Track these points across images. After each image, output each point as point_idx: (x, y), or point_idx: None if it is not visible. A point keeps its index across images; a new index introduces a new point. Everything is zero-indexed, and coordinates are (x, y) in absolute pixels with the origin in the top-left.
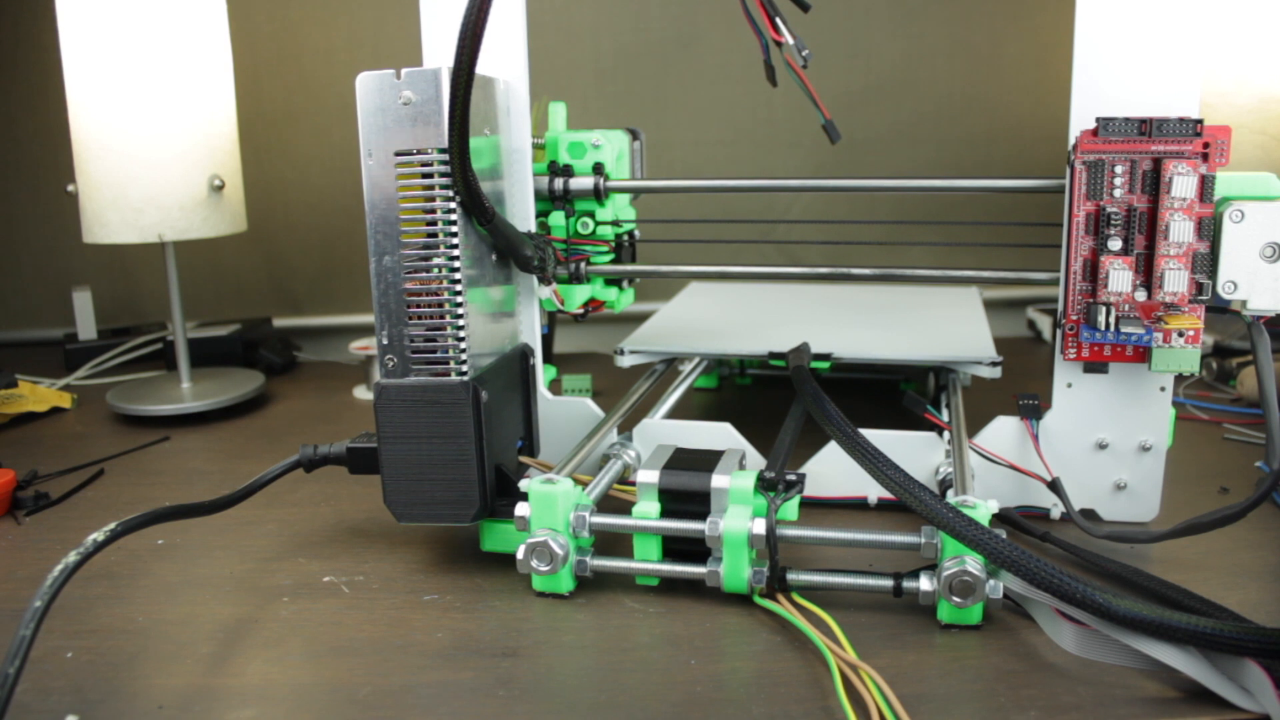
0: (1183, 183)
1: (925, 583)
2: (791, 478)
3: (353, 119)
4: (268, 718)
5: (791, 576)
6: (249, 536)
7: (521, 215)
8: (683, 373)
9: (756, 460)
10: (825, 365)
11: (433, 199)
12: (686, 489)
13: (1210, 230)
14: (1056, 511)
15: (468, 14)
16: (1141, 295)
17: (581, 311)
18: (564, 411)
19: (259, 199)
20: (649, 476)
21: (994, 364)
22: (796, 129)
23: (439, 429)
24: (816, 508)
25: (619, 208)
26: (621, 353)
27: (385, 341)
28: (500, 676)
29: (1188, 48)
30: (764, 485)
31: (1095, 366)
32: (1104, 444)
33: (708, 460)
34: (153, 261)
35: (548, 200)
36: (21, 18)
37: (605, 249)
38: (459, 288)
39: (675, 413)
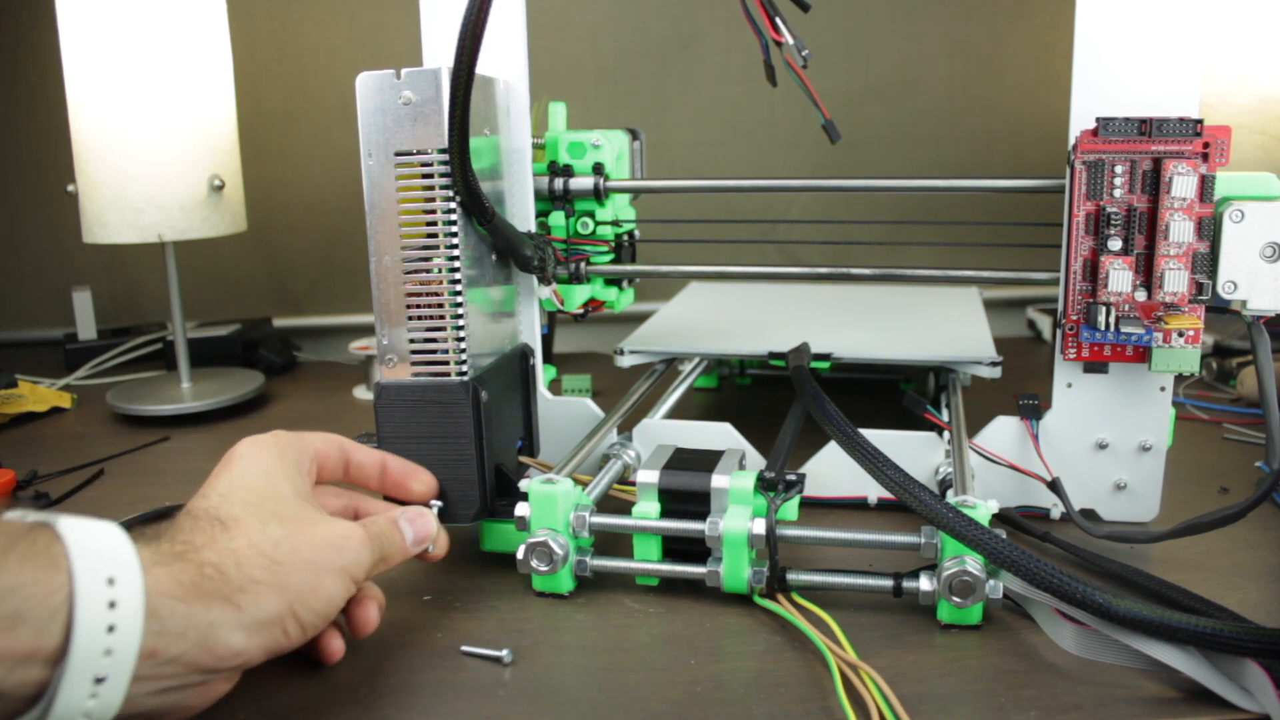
0: (1183, 183)
1: (925, 583)
2: (791, 478)
3: (353, 119)
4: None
5: (791, 576)
6: None
7: (521, 215)
8: (683, 373)
9: (756, 460)
10: (825, 365)
11: (433, 199)
12: (686, 489)
13: (1210, 230)
14: (1056, 511)
15: (468, 14)
16: (1141, 295)
17: (581, 311)
18: (564, 411)
19: (259, 199)
20: (649, 476)
21: (994, 364)
22: (796, 129)
23: (439, 429)
24: (816, 508)
25: (619, 208)
26: (621, 353)
27: (385, 341)
28: (500, 676)
29: (1188, 48)
30: (764, 485)
31: (1095, 366)
32: (1104, 444)
33: (708, 460)
34: (153, 261)
35: (548, 200)
36: (21, 18)
37: (605, 249)
38: (459, 288)
39: (675, 413)
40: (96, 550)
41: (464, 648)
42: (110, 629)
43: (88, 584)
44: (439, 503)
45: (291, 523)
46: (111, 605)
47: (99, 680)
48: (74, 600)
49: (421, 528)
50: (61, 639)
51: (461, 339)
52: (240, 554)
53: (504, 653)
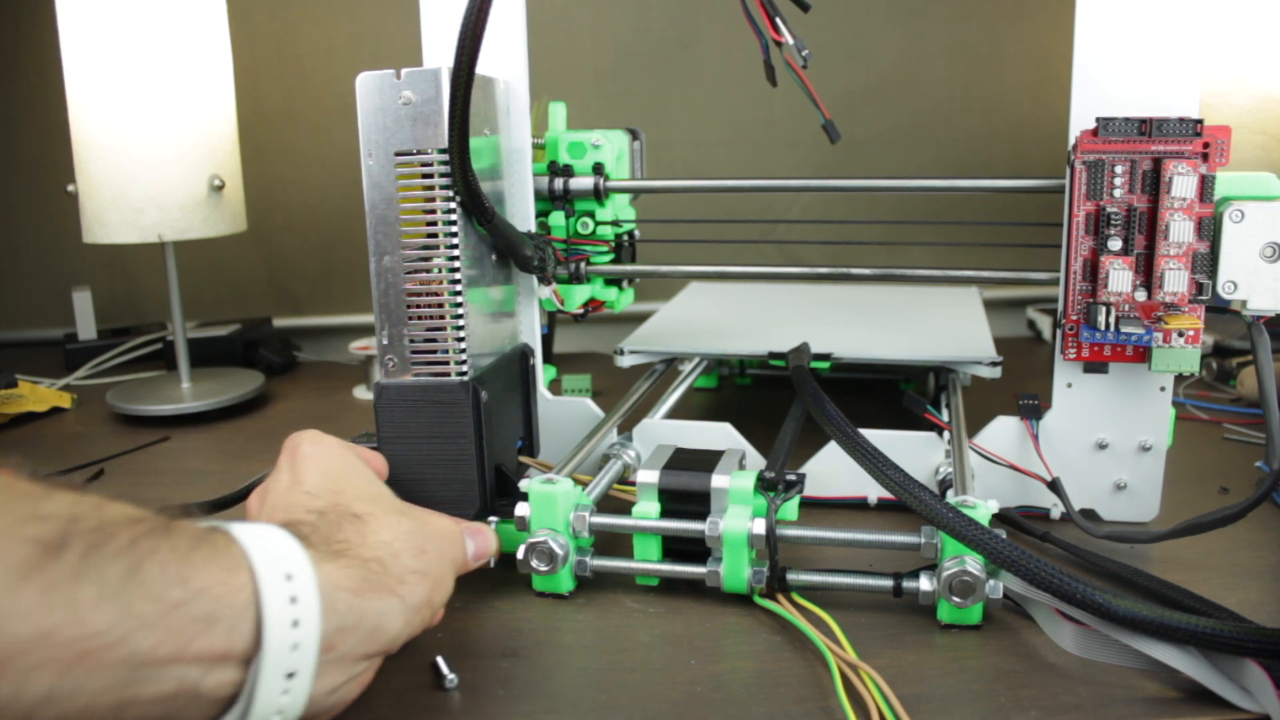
0: (1183, 183)
1: (925, 583)
2: (791, 478)
3: (353, 119)
4: None
5: (791, 576)
6: None
7: (521, 215)
8: (683, 373)
9: (756, 460)
10: (825, 365)
11: (433, 199)
12: (686, 489)
13: (1210, 230)
14: (1056, 511)
15: (468, 14)
16: (1141, 295)
17: (581, 311)
18: (564, 411)
19: (259, 199)
20: (649, 476)
21: (994, 364)
22: (796, 129)
23: (439, 429)
24: (816, 508)
25: (619, 208)
26: (621, 353)
27: (385, 341)
28: (500, 676)
29: (1188, 48)
30: (764, 485)
31: (1095, 366)
32: (1104, 444)
33: (708, 460)
34: (153, 261)
35: (548, 200)
36: (21, 18)
37: (605, 249)
38: (459, 288)
39: (675, 413)
40: (272, 548)
41: (437, 658)
42: (295, 624)
43: (270, 581)
44: (496, 518)
45: (412, 516)
46: (293, 600)
47: (290, 675)
48: (260, 597)
49: (482, 544)
50: (251, 637)
51: (461, 339)
52: (394, 546)
53: (450, 678)
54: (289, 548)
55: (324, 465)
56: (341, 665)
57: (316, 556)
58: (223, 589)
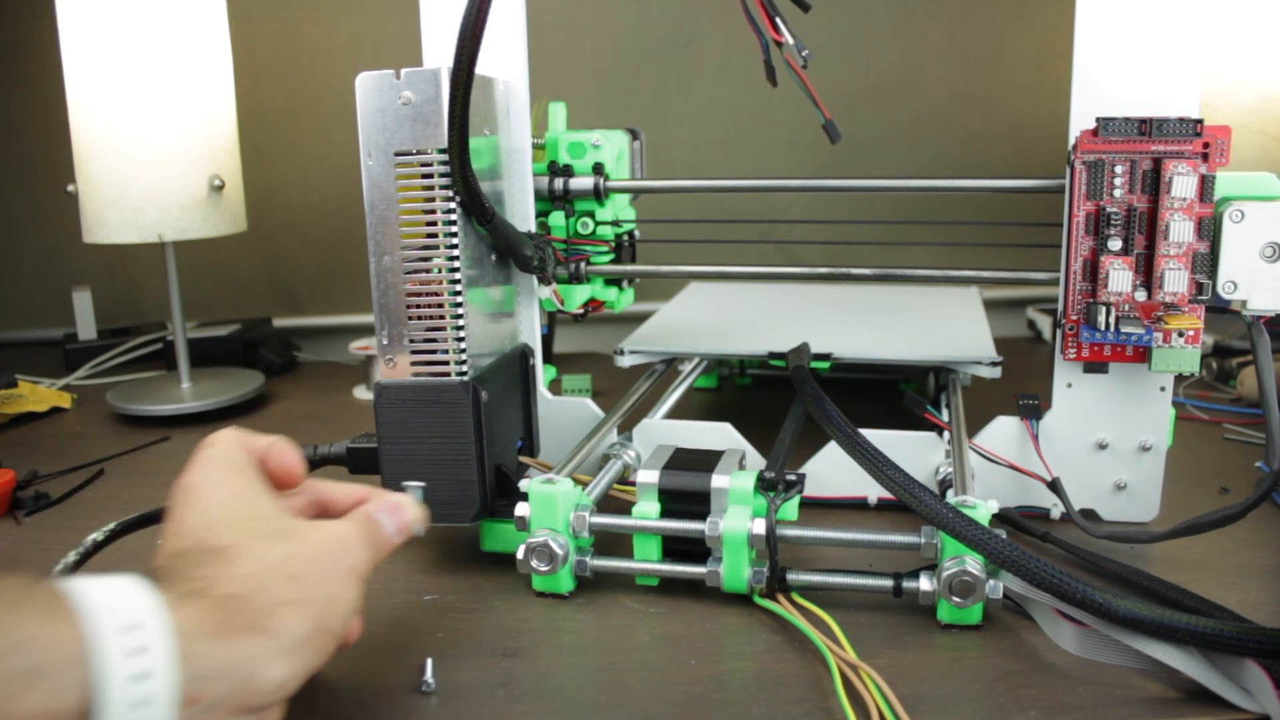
0: (1183, 183)
1: (925, 583)
2: (791, 478)
3: (353, 119)
4: None
5: (791, 576)
6: None
7: (521, 215)
8: (683, 373)
9: (756, 460)
10: (825, 365)
11: (432, 199)
12: (686, 489)
13: (1210, 230)
14: (1056, 511)
15: (468, 14)
16: (1141, 295)
17: (581, 311)
18: (564, 411)
19: (259, 199)
20: (649, 476)
21: (994, 364)
22: (796, 129)
23: (439, 429)
24: (816, 508)
25: (619, 208)
26: (621, 353)
27: (385, 341)
28: (500, 676)
29: (1188, 48)
30: (764, 485)
31: (1095, 366)
32: (1104, 444)
33: (708, 460)
34: (153, 261)
35: (548, 200)
36: (21, 18)
37: (605, 249)
38: (459, 288)
39: (675, 413)
40: (112, 598)
41: (427, 660)
42: (141, 677)
43: (106, 631)
44: (419, 484)
45: (291, 536)
46: (138, 651)
47: None
48: (93, 650)
49: (400, 518)
50: (87, 694)
51: (461, 339)
52: (259, 578)
53: (428, 682)
54: (136, 596)
55: (201, 498)
56: (216, 717)
57: (173, 600)
58: (50, 641)
